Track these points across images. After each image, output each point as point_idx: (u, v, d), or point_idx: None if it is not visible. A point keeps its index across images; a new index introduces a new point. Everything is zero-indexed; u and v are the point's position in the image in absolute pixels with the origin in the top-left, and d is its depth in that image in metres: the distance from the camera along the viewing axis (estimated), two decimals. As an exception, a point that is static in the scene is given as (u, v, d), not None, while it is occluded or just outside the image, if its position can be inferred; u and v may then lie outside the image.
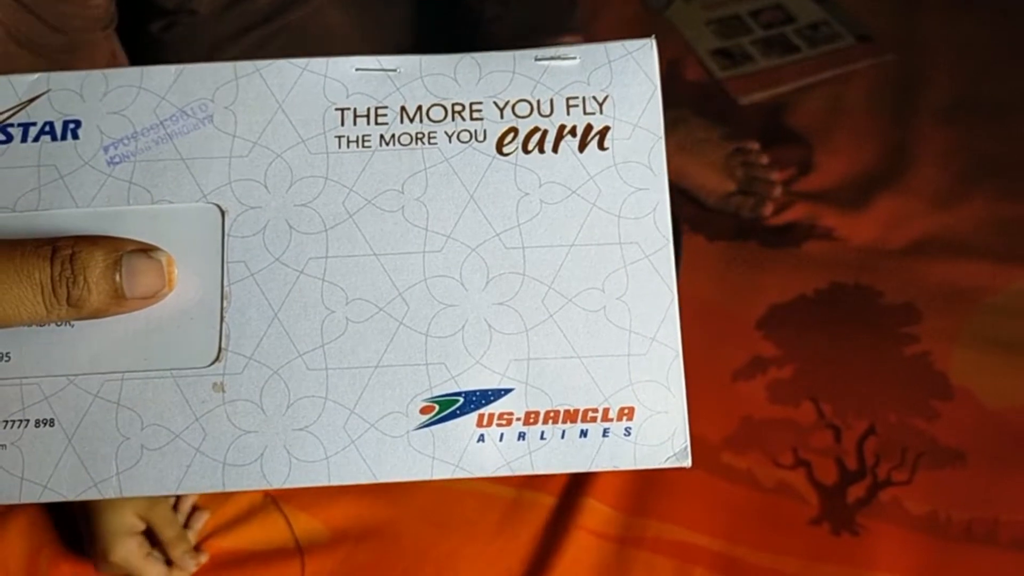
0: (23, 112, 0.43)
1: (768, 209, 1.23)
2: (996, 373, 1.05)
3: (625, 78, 0.43)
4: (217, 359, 0.41)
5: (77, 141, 0.42)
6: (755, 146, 1.30)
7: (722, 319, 1.10)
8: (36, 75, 0.43)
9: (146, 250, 0.40)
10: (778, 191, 1.25)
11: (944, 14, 1.45)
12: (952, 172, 1.24)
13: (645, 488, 0.96)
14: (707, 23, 1.49)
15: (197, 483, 0.40)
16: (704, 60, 1.43)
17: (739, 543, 0.94)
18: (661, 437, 0.41)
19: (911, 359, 1.06)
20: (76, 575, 0.90)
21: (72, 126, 0.42)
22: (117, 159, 0.42)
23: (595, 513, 0.94)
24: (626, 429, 0.41)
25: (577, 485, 0.96)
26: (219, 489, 0.40)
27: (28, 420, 0.40)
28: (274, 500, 0.93)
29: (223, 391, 0.40)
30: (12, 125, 0.42)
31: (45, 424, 0.40)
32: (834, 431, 1.01)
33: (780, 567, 0.92)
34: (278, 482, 0.40)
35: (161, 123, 0.42)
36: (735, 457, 0.99)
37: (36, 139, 0.42)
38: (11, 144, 0.42)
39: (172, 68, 0.43)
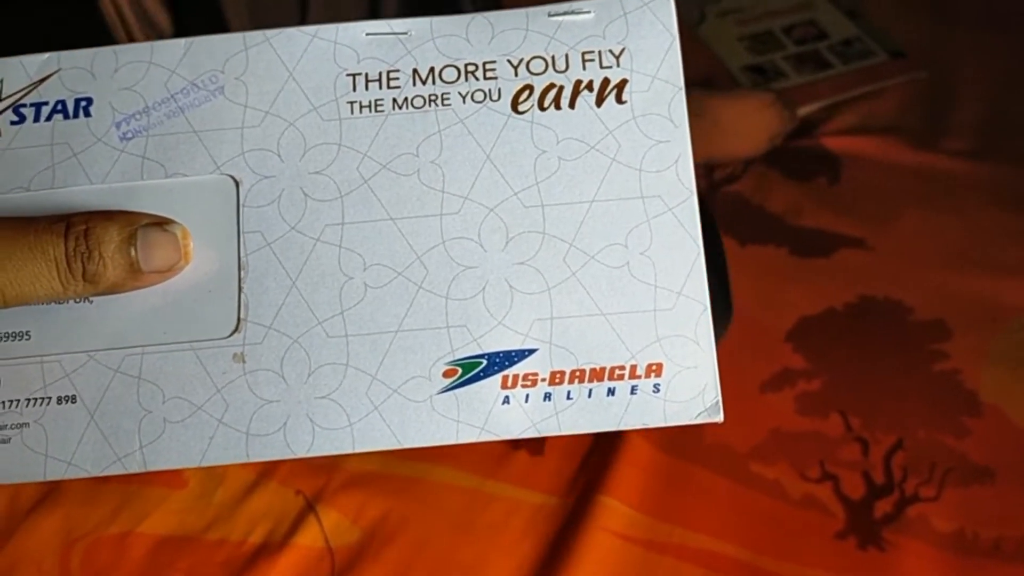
0: (35, 92, 0.43)
1: (796, 121, 1.27)
2: (1027, 391, 1.03)
3: (642, 30, 0.43)
4: (236, 330, 0.40)
5: (89, 118, 0.42)
6: (771, 96, 1.31)
7: (752, 329, 1.09)
8: (47, 55, 0.43)
9: (161, 223, 0.40)
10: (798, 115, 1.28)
11: (977, 32, 1.44)
12: (983, 187, 1.23)
13: (669, 492, 0.95)
14: (740, 39, 1.48)
15: (221, 454, 0.40)
16: (736, 76, 1.43)
17: (764, 554, 0.92)
18: (691, 392, 0.40)
19: (940, 376, 1.04)
20: (109, 571, 0.88)
21: (84, 103, 0.42)
22: (130, 134, 0.42)
23: (617, 514, 0.93)
24: (655, 386, 0.40)
25: (597, 485, 0.95)
26: (243, 460, 0.40)
27: (50, 397, 0.40)
28: (306, 498, 0.92)
29: (244, 361, 0.40)
30: (25, 105, 0.42)
31: (67, 401, 0.40)
32: (862, 445, 0.99)
33: (805, 580, 0.91)
34: (302, 451, 0.39)
35: (172, 96, 0.42)
36: (763, 467, 0.98)
37: (48, 118, 0.42)
38: (24, 124, 0.42)
39: (182, 41, 0.43)
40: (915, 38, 1.44)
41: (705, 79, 1.39)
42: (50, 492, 0.92)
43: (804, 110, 1.33)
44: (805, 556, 0.91)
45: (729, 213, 1.16)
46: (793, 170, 1.28)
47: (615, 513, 0.93)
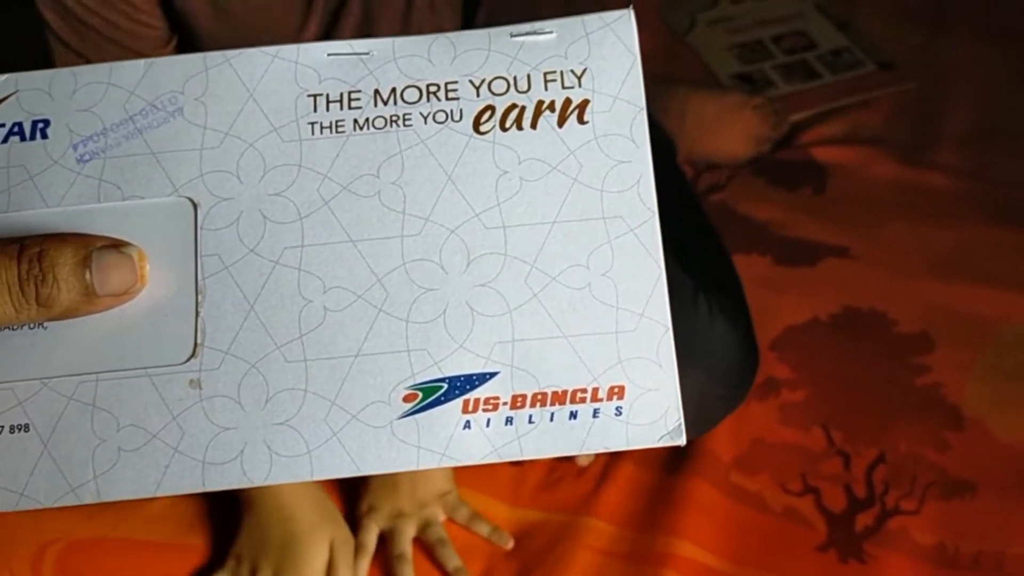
0: None
1: (786, 126, 1.30)
2: (1010, 406, 1.04)
3: (603, 50, 0.42)
4: (193, 355, 0.40)
5: (46, 140, 0.42)
6: (765, 99, 1.33)
7: (737, 337, 1.09)
8: (4, 76, 0.42)
9: (116, 246, 0.39)
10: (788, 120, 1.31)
11: (966, 43, 1.46)
12: (971, 200, 1.24)
13: (652, 504, 0.95)
14: (729, 48, 1.50)
15: (176, 484, 0.39)
16: (725, 84, 1.43)
17: (746, 565, 0.92)
18: (653, 415, 0.39)
19: (923, 389, 1.05)
20: (83, 571, 0.88)
21: (41, 125, 0.42)
22: (87, 156, 0.41)
23: (599, 533, 0.93)
24: (617, 409, 0.39)
25: (581, 506, 0.95)
26: (199, 489, 0.39)
27: (2, 427, 0.39)
28: None
29: (200, 387, 0.39)
30: None
31: (20, 430, 0.39)
32: (844, 458, 1.00)
33: (787, 592, 0.91)
34: (259, 479, 0.39)
35: (131, 118, 0.42)
36: (745, 479, 0.98)
37: (5, 140, 0.42)
38: None
39: (141, 62, 0.42)
40: (904, 49, 1.45)
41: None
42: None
43: (793, 118, 1.33)
44: (786, 568, 0.92)
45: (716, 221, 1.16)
46: (779, 179, 1.28)
47: (598, 532, 0.93)
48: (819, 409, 1.04)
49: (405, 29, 0.89)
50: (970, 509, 0.95)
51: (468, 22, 0.93)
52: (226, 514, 0.92)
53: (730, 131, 1.30)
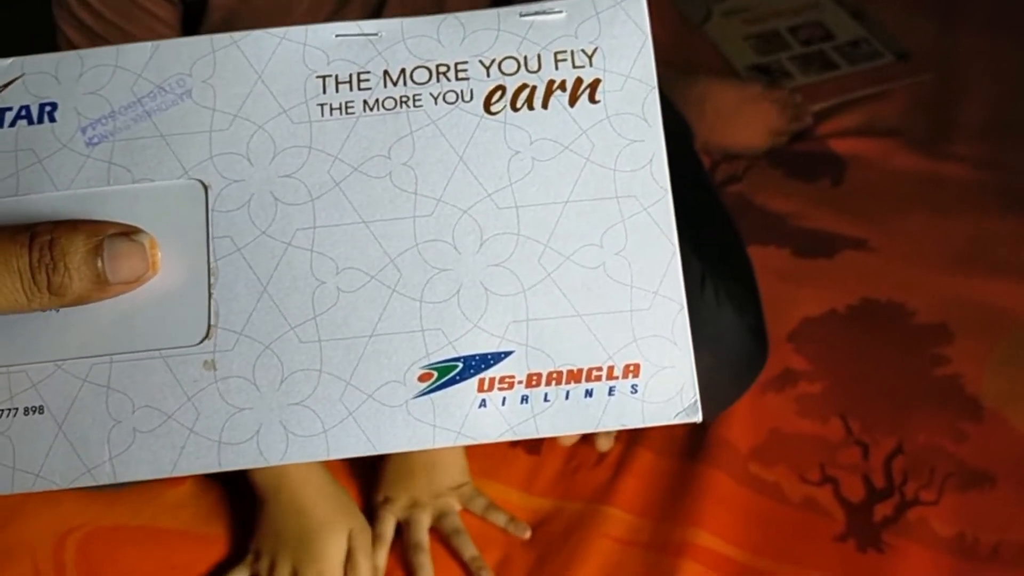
0: None
1: (808, 120, 1.29)
2: (1028, 397, 1.02)
3: (614, 29, 0.42)
4: (207, 336, 0.39)
5: (54, 124, 0.41)
6: (784, 91, 1.32)
7: (756, 328, 1.08)
8: (10, 60, 0.42)
9: (128, 233, 0.39)
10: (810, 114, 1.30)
11: (983, 34, 1.45)
12: (989, 191, 1.23)
13: (671, 493, 0.94)
14: (745, 38, 1.49)
15: (192, 464, 0.39)
16: (742, 75, 1.43)
17: (764, 555, 0.91)
18: (669, 393, 0.39)
19: (942, 380, 1.04)
20: (104, 559, 0.87)
21: (48, 109, 0.41)
22: (95, 139, 0.41)
23: (617, 522, 0.92)
24: (632, 386, 0.39)
25: (600, 494, 0.94)
26: (215, 469, 0.39)
27: (17, 409, 0.39)
28: None
29: (214, 369, 0.39)
30: None
31: (34, 412, 0.39)
32: (862, 448, 0.99)
33: (805, 582, 0.90)
34: (275, 459, 0.39)
35: (139, 100, 0.41)
36: (763, 469, 0.97)
37: (12, 124, 0.41)
38: None
39: (148, 44, 0.42)
40: (921, 40, 1.44)
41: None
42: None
43: (812, 109, 1.32)
44: (805, 558, 0.91)
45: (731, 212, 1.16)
46: (797, 171, 1.27)
47: (616, 520, 0.92)
48: (837, 400, 1.03)
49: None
50: (989, 500, 0.95)
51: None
52: (246, 503, 0.92)
53: (748, 122, 1.29)
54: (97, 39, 0.79)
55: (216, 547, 0.91)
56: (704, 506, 0.93)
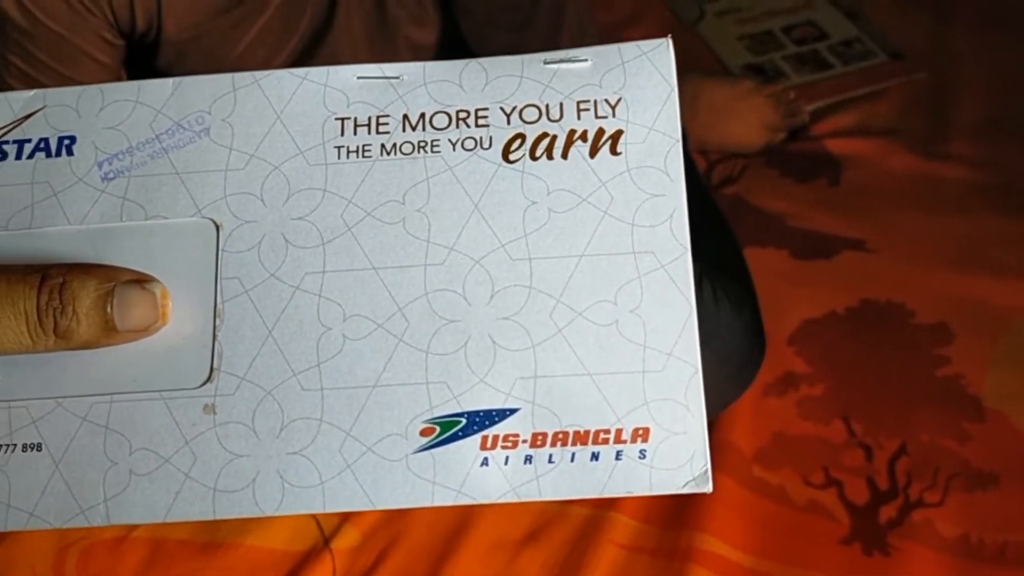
0: (19, 129, 0.37)
1: (804, 117, 1.21)
2: (1030, 396, 0.95)
3: (640, 80, 0.36)
4: (209, 379, 0.35)
5: (72, 157, 0.37)
6: (778, 87, 1.23)
7: (755, 332, 1.02)
8: (33, 92, 0.38)
9: (141, 281, 0.34)
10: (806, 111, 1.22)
11: (976, 32, 1.35)
12: (985, 190, 1.14)
13: (676, 498, 0.88)
14: (739, 38, 1.39)
15: (187, 510, 0.34)
16: (735, 75, 1.34)
17: (769, 558, 0.85)
18: (679, 460, 0.33)
19: (943, 380, 0.96)
20: (105, 571, 0.83)
21: (67, 142, 0.37)
22: (111, 175, 0.36)
23: (623, 528, 0.86)
24: (641, 451, 0.33)
25: (605, 500, 0.88)
26: (209, 517, 0.34)
27: (15, 444, 0.34)
28: None
29: (214, 413, 0.34)
30: (8, 142, 0.37)
31: (32, 448, 0.34)
32: (865, 450, 0.92)
33: (811, 585, 0.84)
34: (271, 509, 0.34)
35: (157, 137, 0.36)
36: (766, 472, 0.91)
37: (31, 156, 0.37)
38: (6, 161, 0.37)
39: (170, 81, 0.37)
40: (915, 39, 1.35)
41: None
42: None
43: (807, 108, 1.25)
44: (810, 562, 0.85)
45: (728, 215, 1.09)
46: (793, 171, 1.20)
47: (622, 527, 0.86)
48: (839, 402, 0.95)
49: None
50: (994, 500, 0.87)
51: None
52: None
53: (742, 119, 1.20)
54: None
55: (219, 556, 0.86)
56: (709, 511, 0.87)
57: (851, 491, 0.89)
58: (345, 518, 0.86)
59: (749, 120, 1.20)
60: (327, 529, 0.85)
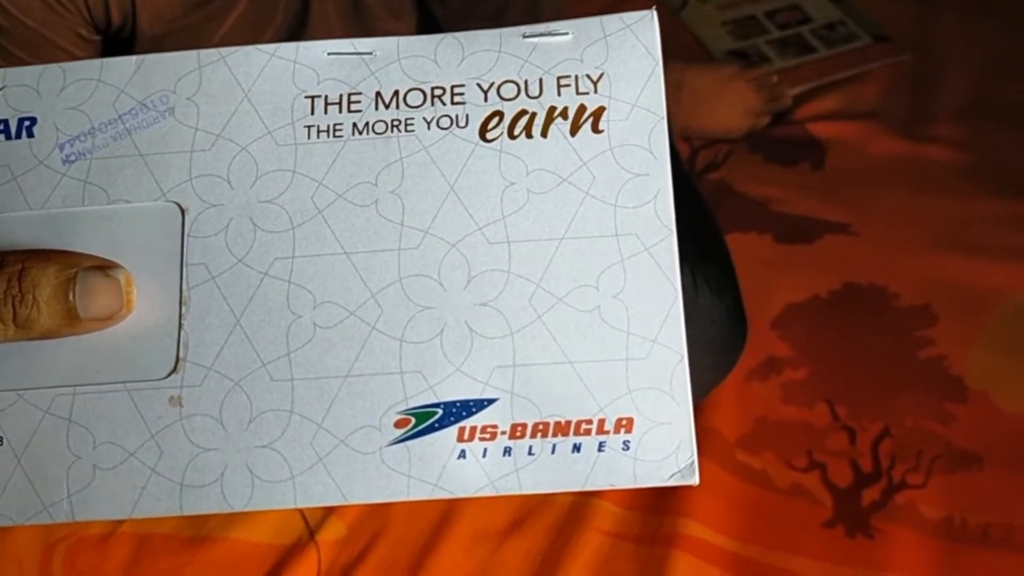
0: None
1: (787, 100, 1.19)
2: (1013, 377, 0.93)
3: (623, 53, 0.34)
4: (174, 370, 0.33)
5: (32, 139, 0.35)
6: (760, 72, 1.21)
7: (737, 316, 1.00)
8: None
9: (104, 267, 0.32)
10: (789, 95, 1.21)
11: (961, 15, 1.32)
12: (968, 171, 1.12)
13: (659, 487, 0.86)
14: (722, 24, 1.36)
15: (153, 506, 0.32)
16: (719, 60, 1.32)
17: (752, 543, 0.83)
18: (664, 451, 0.32)
19: (926, 362, 0.95)
20: (92, 568, 0.81)
21: (27, 123, 0.35)
22: (73, 157, 0.34)
23: (607, 514, 0.85)
24: (624, 443, 0.32)
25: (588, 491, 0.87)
26: (176, 513, 0.32)
27: None
28: None
29: (180, 405, 0.32)
30: None
31: None
32: (849, 433, 0.90)
33: (794, 569, 0.82)
34: (240, 505, 0.32)
35: (120, 117, 0.34)
36: (750, 457, 0.89)
37: None
38: None
39: (133, 59, 0.35)
40: (899, 21, 1.32)
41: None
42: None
43: (791, 92, 1.23)
44: (793, 545, 0.83)
45: (712, 200, 1.06)
46: (776, 155, 1.17)
47: (605, 513, 0.85)
48: (822, 385, 0.94)
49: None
50: (977, 481, 0.86)
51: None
52: None
53: (725, 104, 1.18)
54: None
55: (206, 550, 0.84)
56: (692, 496, 0.85)
57: (834, 474, 0.88)
58: (330, 510, 0.85)
59: (732, 105, 1.18)
60: (312, 522, 0.84)
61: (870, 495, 0.86)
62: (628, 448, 0.31)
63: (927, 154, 1.15)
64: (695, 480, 0.31)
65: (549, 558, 0.82)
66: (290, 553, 0.83)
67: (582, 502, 0.85)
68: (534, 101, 0.34)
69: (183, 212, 0.34)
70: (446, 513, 0.85)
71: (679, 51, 1.32)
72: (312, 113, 0.34)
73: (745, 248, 0.99)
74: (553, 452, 0.32)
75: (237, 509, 0.31)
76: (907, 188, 1.11)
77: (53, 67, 0.35)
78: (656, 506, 0.85)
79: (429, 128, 0.34)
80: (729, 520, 0.85)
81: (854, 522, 0.84)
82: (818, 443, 0.90)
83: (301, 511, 0.84)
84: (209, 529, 0.84)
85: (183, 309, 0.33)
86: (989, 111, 1.19)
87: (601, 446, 0.32)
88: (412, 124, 0.34)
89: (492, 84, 0.34)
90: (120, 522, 0.83)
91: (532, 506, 0.86)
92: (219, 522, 0.84)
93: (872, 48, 1.29)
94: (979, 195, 1.09)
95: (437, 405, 0.32)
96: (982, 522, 0.83)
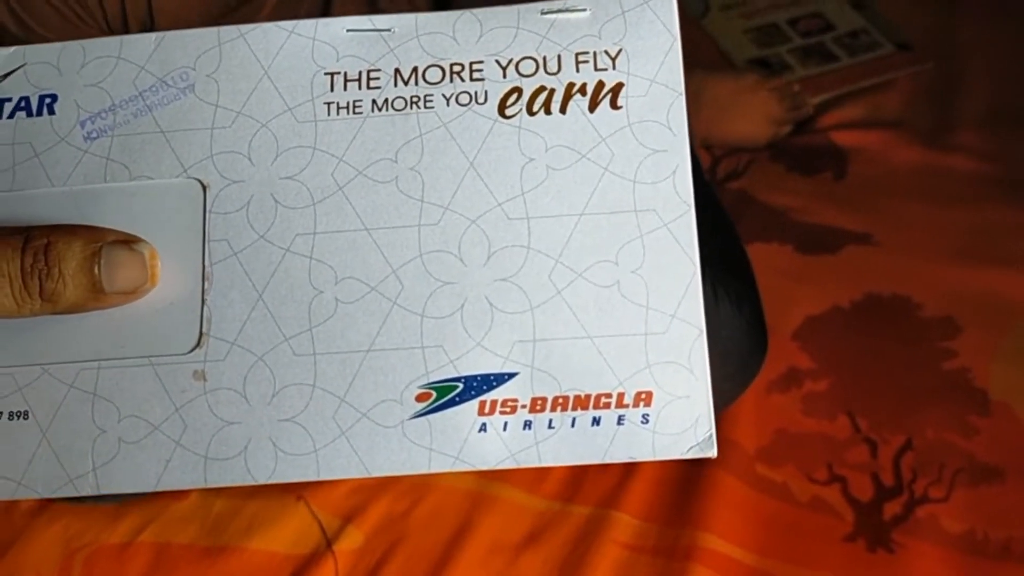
0: None
1: (809, 109, 1.19)
2: (1037, 389, 0.92)
3: (641, 30, 0.35)
4: (198, 345, 0.33)
5: (53, 116, 0.35)
6: (782, 80, 1.21)
7: (758, 327, 1.00)
8: (12, 49, 0.36)
9: (128, 241, 0.33)
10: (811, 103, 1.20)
11: (983, 22, 1.31)
12: (991, 181, 1.11)
13: (677, 497, 0.86)
14: (744, 32, 1.36)
15: (178, 478, 0.33)
16: (740, 69, 1.32)
17: (771, 556, 0.82)
18: (683, 424, 0.32)
19: (949, 374, 0.94)
20: None
21: (48, 100, 0.35)
22: (94, 134, 0.35)
23: (626, 526, 0.84)
24: (643, 416, 0.32)
25: (607, 499, 0.86)
26: (201, 485, 0.33)
27: (1, 413, 0.33)
28: (307, 503, 0.85)
29: (204, 379, 0.33)
30: None
31: (19, 417, 0.33)
32: (870, 445, 0.90)
33: (815, 583, 0.82)
34: (263, 477, 0.32)
35: (140, 94, 0.35)
36: (769, 470, 0.88)
37: (11, 115, 0.36)
38: None
39: (152, 36, 0.36)
40: (922, 30, 1.31)
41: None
42: (49, 501, 0.85)
43: (813, 101, 1.23)
44: (814, 559, 0.82)
45: (733, 209, 1.06)
46: (798, 165, 1.17)
47: (624, 525, 0.84)
48: (844, 397, 0.93)
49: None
50: (999, 495, 0.84)
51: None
52: (251, 514, 0.85)
53: (746, 113, 1.18)
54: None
55: (223, 560, 0.85)
56: (711, 509, 0.84)
57: (855, 487, 0.87)
58: (348, 519, 0.85)
59: (754, 114, 1.18)
60: (330, 531, 0.84)
61: (891, 509, 0.85)
62: (647, 422, 0.32)
63: (950, 163, 1.14)
64: (713, 452, 0.32)
65: (566, 570, 0.82)
66: (308, 563, 0.82)
67: (600, 514, 0.85)
68: (553, 77, 0.35)
69: (204, 188, 0.34)
70: (464, 524, 0.84)
71: (700, 60, 1.31)
72: (332, 90, 0.35)
73: (766, 258, 0.99)
74: (573, 426, 0.32)
75: (261, 481, 0.32)
76: (930, 197, 1.10)
77: (73, 44, 0.36)
78: (674, 519, 0.84)
79: (448, 104, 0.34)
80: (748, 533, 0.84)
81: (875, 536, 0.84)
82: (839, 456, 0.89)
83: (319, 521, 0.84)
84: (227, 539, 0.84)
85: (206, 284, 0.33)
86: (1013, 119, 1.18)
87: (620, 419, 0.32)
88: (431, 100, 0.34)
89: (511, 60, 0.35)
90: (139, 531, 0.83)
91: (550, 517, 0.85)
92: (237, 532, 0.84)
93: (895, 56, 1.29)
94: (1003, 205, 1.08)
95: (458, 379, 0.32)
96: (1004, 536, 0.82)
